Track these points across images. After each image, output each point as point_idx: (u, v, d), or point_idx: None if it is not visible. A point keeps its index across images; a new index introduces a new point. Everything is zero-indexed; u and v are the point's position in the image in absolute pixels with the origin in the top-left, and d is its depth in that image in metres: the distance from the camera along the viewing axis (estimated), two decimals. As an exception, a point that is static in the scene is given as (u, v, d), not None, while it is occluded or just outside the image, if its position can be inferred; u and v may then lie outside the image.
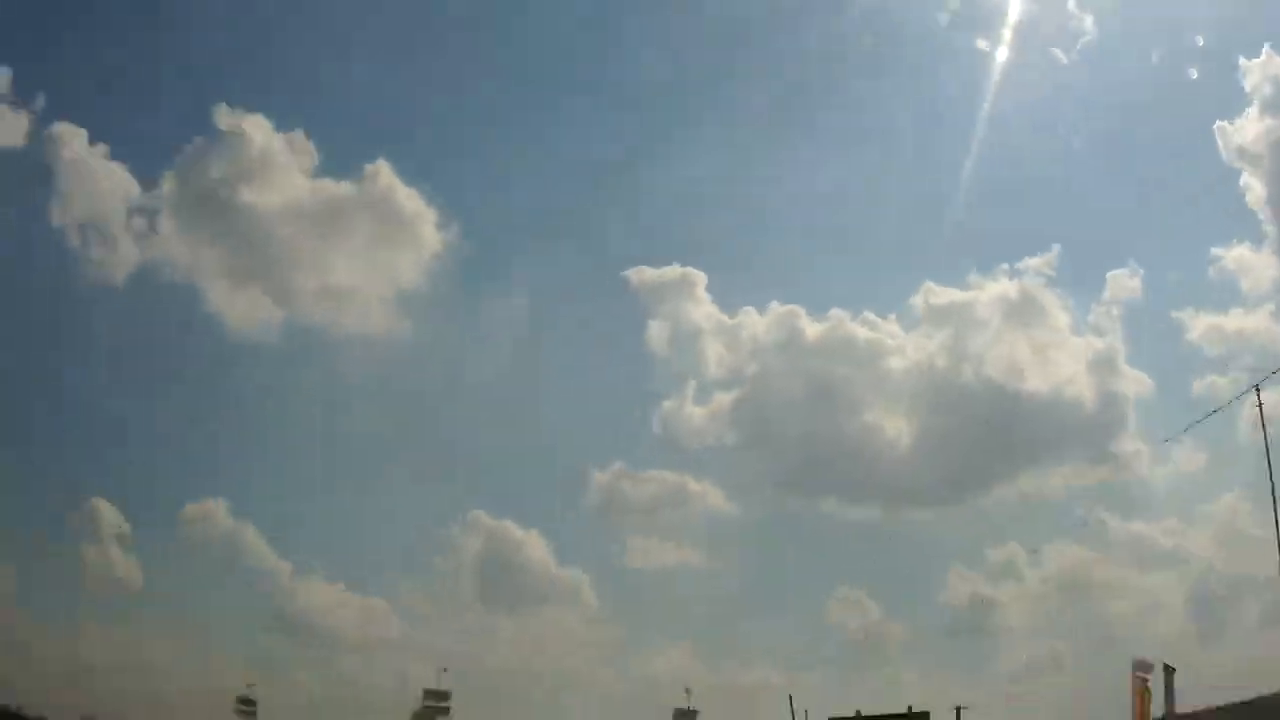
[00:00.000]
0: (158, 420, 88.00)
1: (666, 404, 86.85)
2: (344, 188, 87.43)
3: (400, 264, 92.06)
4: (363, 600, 78.12)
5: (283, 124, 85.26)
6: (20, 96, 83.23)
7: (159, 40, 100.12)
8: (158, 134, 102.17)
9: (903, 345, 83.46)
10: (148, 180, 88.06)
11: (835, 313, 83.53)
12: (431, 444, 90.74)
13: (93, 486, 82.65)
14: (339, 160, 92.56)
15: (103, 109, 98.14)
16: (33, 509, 74.23)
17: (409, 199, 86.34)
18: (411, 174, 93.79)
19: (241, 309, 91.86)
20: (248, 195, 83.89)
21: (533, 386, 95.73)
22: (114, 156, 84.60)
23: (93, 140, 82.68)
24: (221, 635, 76.53)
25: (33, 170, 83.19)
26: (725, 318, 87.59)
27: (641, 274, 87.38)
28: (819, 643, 77.01)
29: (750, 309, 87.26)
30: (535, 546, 79.06)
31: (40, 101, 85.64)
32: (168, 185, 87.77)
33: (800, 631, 79.36)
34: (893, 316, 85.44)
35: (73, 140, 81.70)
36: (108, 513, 73.79)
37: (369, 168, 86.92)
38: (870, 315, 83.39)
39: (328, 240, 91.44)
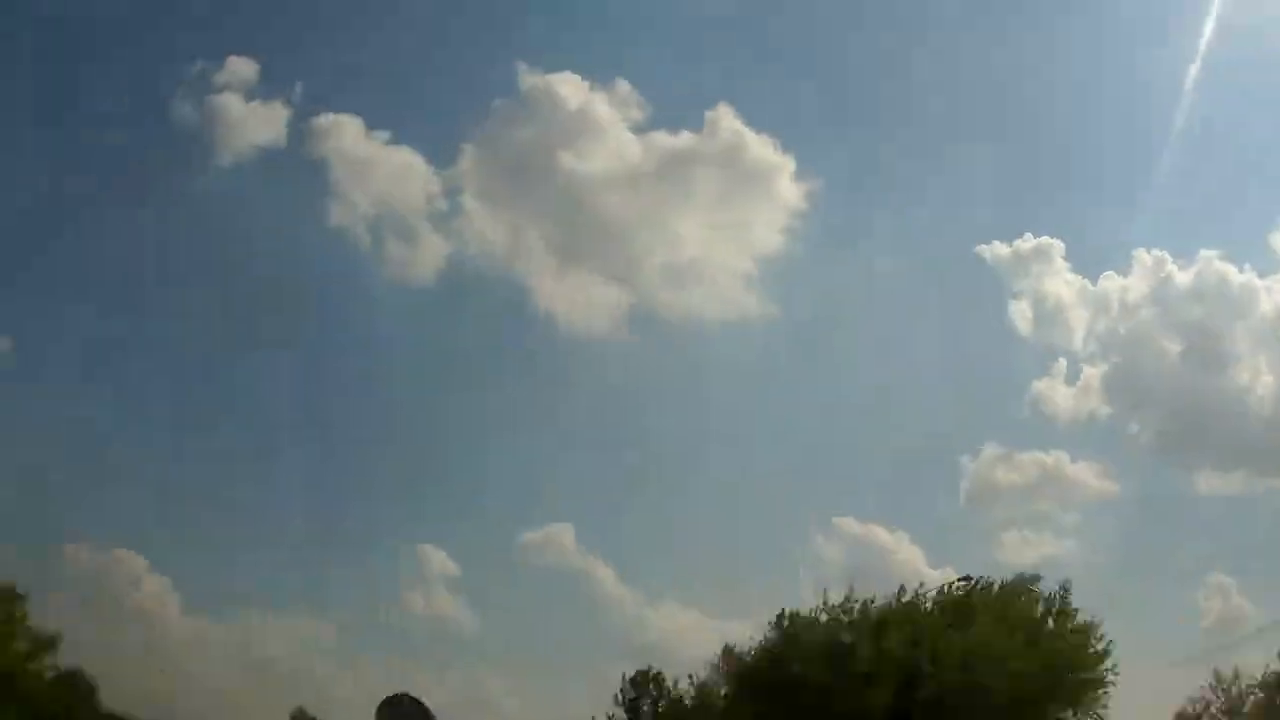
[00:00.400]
0: (486, 438, 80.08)
1: (1037, 384, 77.70)
2: (682, 140, 77.73)
3: (756, 226, 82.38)
4: (723, 625, 72.87)
5: (600, 77, 76.72)
6: (272, 89, 76.33)
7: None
8: (446, 109, 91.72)
9: (1271, 286, 72.32)
10: (442, 160, 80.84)
11: (1204, 254, 73.47)
12: (791, 442, 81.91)
13: (417, 527, 76.60)
14: (672, 109, 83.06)
15: (373, 90, 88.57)
16: (349, 555, 69.44)
17: (760, 146, 76.25)
18: (761, 118, 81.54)
19: (572, 297, 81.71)
20: (566, 162, 75.73)
21: (898, 371, 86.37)
22: (398, 141, 78.11)
23: (369, 126, 75.97)
24: (566, 671, 71.25)
25: (300, 169, 75.87)
26: (1088, 284, 77.77)
27: (995, 250, 77.76)
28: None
29: (1111, 273, 79.33)
30: (905, 549, 71.49)
31: (297, 92, 78.32)
32: (467, 162, 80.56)
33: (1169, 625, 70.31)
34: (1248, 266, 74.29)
35: (343, 129, 74.76)
36: (433, 555, 69.87)
37: (709, 114, 77.81)
38: (1227, 258, 72.32)
39: (668, 205, 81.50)
